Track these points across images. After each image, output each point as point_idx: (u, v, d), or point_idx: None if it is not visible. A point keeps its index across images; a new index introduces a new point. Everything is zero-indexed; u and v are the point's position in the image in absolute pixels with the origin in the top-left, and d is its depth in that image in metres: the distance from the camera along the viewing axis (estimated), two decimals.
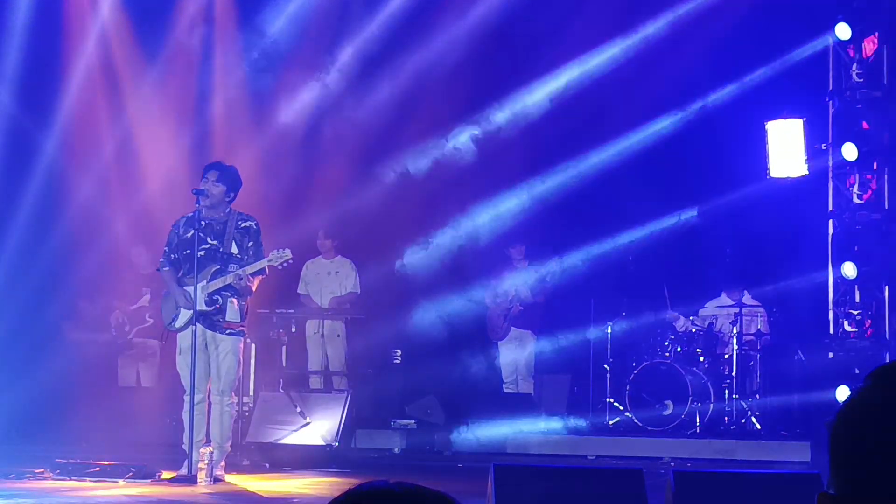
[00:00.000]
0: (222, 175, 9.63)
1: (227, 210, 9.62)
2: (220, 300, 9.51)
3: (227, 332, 9.52)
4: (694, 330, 12.94)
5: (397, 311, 13.53)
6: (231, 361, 9.54)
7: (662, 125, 14.00)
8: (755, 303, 13.14)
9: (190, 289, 9.53)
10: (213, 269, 9.51)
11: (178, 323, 9.63)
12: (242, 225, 9.60)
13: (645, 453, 11.71)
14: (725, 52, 13.40)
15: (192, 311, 9.50)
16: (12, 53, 13.22)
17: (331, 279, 13.10)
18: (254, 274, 9.52)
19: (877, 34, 12.25)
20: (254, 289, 9.63)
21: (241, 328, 9.65)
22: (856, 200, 12.51)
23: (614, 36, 13.96)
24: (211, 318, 9.51)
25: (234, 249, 9.56)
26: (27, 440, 11.52)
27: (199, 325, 9.45)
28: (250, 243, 9.56)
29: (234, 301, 9.52)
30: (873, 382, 1.57)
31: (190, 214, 9.61)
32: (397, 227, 13.89)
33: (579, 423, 12.79)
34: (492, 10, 13.89)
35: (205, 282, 9.46)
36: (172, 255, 9.68)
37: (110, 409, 12.29)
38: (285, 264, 9.56)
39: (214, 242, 9.55)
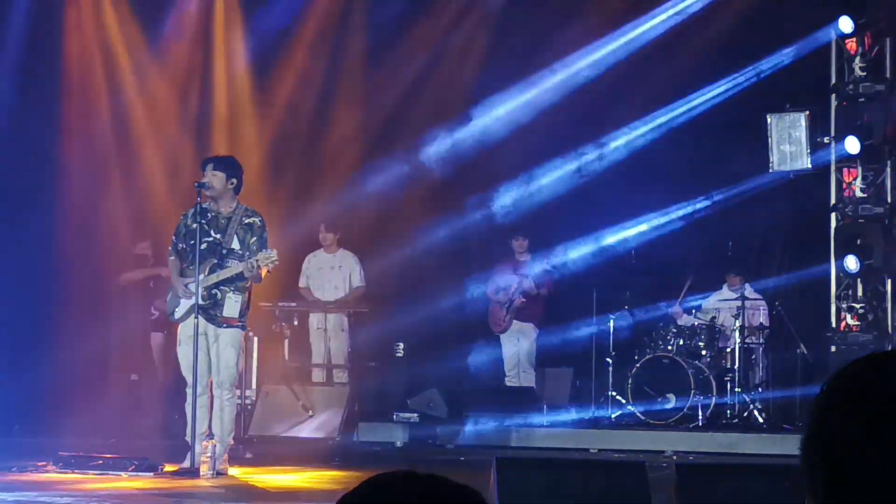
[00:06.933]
0: (218, 164, 9.65)
1: (235, 204, 9.61)
2: (219, 294, 9.48)
3: (225, 326, 9.51)
4: (696, 323, 12.93)
5: (400, 304, 13.51)
6: (230, 355, 9.50)
7: (665, 118, 13.97)
8: (757, 296, 13.12)
9: (189, 280, 9.52)
10: (211, 264, 9.48)
11: (178, 314, 9.63)
12: (246, 221, 9.57)
13: (647, 447, 11.70)
14: (728, 45, 13.38)
15: (191, 302, 9.50)
16: (12, 43, 13.19)
17: (335, 274, 13.08)
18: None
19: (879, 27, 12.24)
20: (263, 275, 9.54)
21: (240, 323, 9.61)
22: (858, 194, 12.51)
23: (614, 32, 13.94)
24: (209, 312, 9.47)
25: (236, 245, 9.51)
26: (30, 433, 11.52)
27: (199, 318, 9.43)
28: (253, 239, 9.50)
29: (233, 296, 9.50)
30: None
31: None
32: (398, 220, 13.88)
33: (581, 416, 12.79)
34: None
35: (203, 275, 9.45)
36: (179, 246, 9.68)
37: (113, 402, 12.29)
38: (271, 265, 9.49)
39: (217, 237, 9.53)
